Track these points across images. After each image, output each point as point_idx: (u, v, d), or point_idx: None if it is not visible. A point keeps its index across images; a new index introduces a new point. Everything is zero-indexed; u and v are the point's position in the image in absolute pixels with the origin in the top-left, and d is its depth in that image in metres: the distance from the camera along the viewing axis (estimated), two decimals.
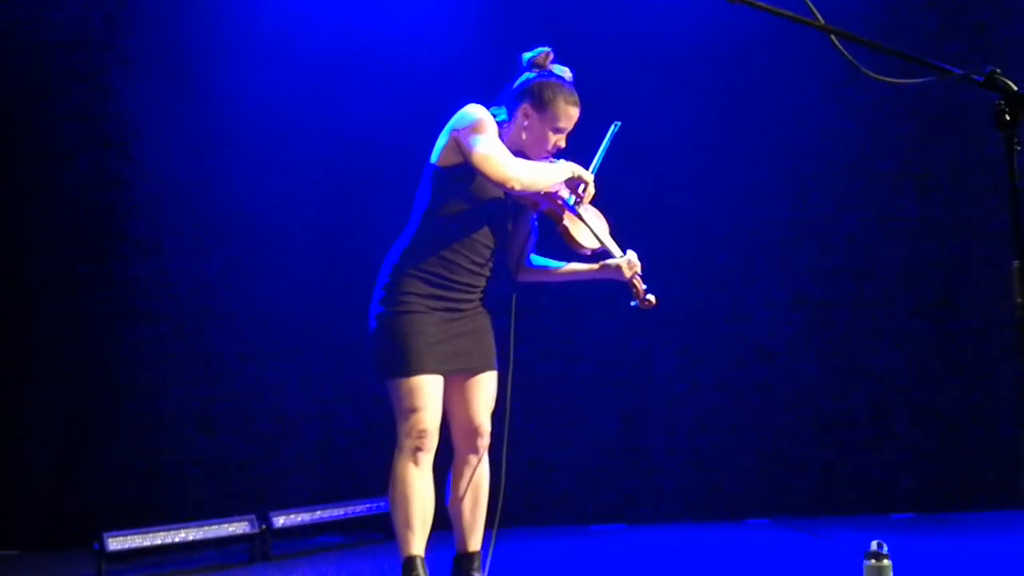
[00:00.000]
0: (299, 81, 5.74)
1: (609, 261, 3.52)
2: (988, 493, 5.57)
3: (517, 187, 3.28)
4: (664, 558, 4.82)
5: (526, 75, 3.46)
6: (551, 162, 3.47)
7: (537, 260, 3.65)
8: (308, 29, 5.76)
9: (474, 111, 3.37)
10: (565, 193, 3.47)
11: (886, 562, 3.16)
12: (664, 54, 5.73)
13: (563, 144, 3.47)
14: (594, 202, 3.56)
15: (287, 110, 5.72)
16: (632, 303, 3.52)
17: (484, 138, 3.29)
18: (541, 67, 3.46)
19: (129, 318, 5.68)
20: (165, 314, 5.69)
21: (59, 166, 5.69)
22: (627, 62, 5.72)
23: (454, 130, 3.36)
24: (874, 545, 3.22)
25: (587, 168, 3.51)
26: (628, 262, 3.50)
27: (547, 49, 3.48)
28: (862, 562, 3.19)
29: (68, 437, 5.61)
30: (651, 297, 3.50)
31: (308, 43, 5.75)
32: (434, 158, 3.43)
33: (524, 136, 3.42)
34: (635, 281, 3.51)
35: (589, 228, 3.50)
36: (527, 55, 3.49)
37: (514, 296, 3.54)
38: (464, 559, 3.57)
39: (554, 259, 3.66)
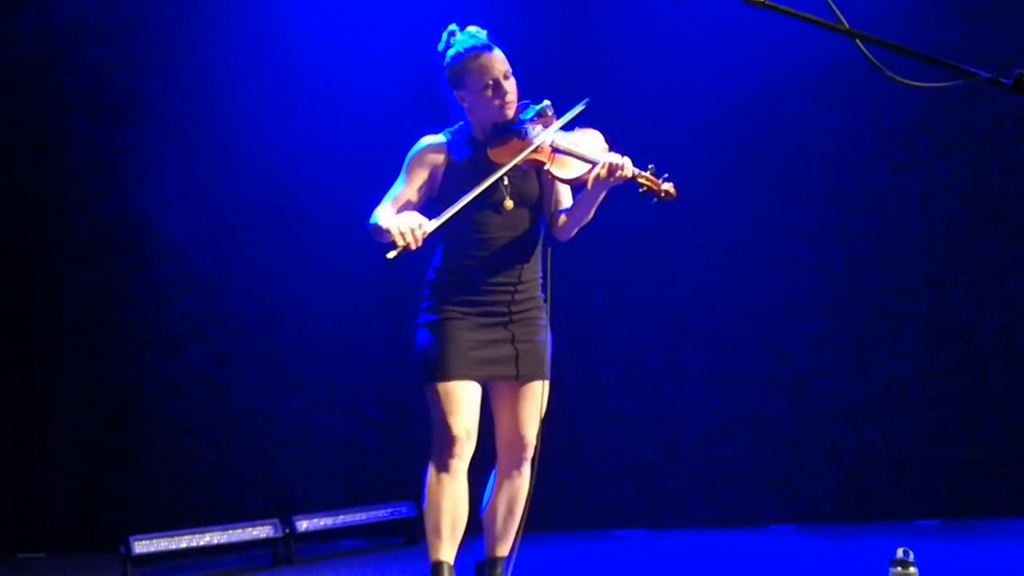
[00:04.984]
0: (323, 85, 5.74)
1: (591, 175, 3.28)
2: (1015, 499, 5.52)
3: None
4: (687, 564, 4.80)
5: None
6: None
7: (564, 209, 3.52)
8: (325, 34, 5.76)
9: (411, 151, 3.45)
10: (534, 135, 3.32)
11: (912, 570, 3.15)
12: (682, 58, 5.69)
13: (510, 89, 3.36)
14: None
15: (313, 117, 5.72)
16: (653, 201, 3.31)
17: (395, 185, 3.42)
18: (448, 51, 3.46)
19: (154, 323, 5.69)
20: (187, 318, 5.70)
21: (80, 171, 5.71)
22: (638, 67, 5.68)
23: None
24: (900, 552, 3.20)
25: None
26: (604, 165, 3.25)
27: (448, 30, 3.47)
28: (888, 569, 3.17)
29: (94, 441, 5.63)
30: (669, 186, 3.31)
31: (329, 50, 5.75)
32: None
33: (477, 114, 3.42)
34: (636, 178, 3.29)
35: (572, 155, 3.33)
36: (439, 48, 3.48)
37: (547, 305, 3.48)
38: (488, 564, 3.54)
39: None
